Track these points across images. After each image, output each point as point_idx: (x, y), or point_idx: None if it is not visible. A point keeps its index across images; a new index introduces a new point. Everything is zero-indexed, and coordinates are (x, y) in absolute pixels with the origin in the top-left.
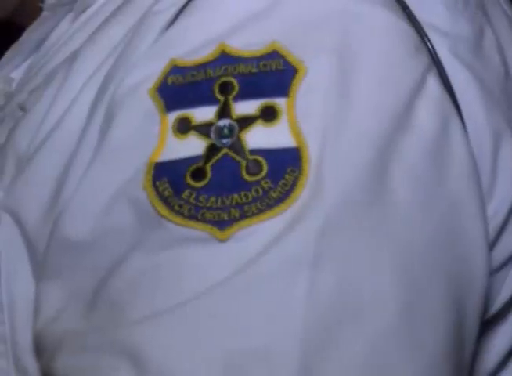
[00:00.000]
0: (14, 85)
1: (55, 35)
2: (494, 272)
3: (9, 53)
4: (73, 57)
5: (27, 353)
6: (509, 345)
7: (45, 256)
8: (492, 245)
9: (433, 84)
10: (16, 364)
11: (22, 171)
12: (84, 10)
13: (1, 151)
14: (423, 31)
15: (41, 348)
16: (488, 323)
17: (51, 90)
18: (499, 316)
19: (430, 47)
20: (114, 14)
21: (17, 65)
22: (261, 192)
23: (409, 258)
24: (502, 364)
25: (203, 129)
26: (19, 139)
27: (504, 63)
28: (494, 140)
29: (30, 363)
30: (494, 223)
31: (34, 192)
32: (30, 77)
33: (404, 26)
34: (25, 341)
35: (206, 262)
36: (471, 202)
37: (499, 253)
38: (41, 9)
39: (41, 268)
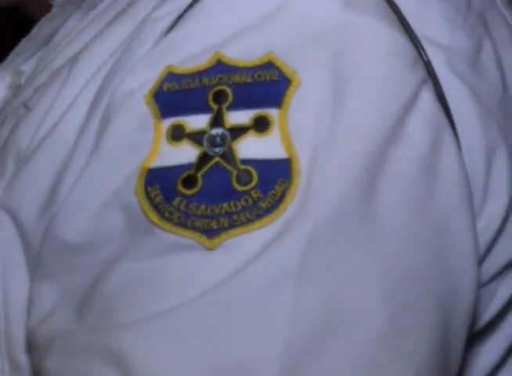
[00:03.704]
0: (23, 78)
1: (63, 31)
2: (484, 285)
3: (19, 47)
4: (76, 58)
5: (21, 350)
6: (498, 356)
7: (38, 255)
8: (482, 259)
9: (427, 98)
10: (9, 361)
11: (21, 169)
12: (92, 8)
13: (3, 149)
14: (420, 45)
15: (33, 347)
16: (477, 336)
17: (53, 89)
18: (488, 329)
19: (426, 61)
20: (117, 16)
21: (27, 58)
22: (250, 202)
23: (397, 271)
24: None
25: (196, 137)
26: (20, 137)
27: (502, 76)
28: (488, 155)
29: (24, 360)
30: (484, 238)
31: (31, 191)
32: (37, 73)
33: (401, 39)
34: (19, 338)
35: (193, 270)
36: (462, 217)
37: (489, 267)
38: (50, 3)
39: (35, 266)
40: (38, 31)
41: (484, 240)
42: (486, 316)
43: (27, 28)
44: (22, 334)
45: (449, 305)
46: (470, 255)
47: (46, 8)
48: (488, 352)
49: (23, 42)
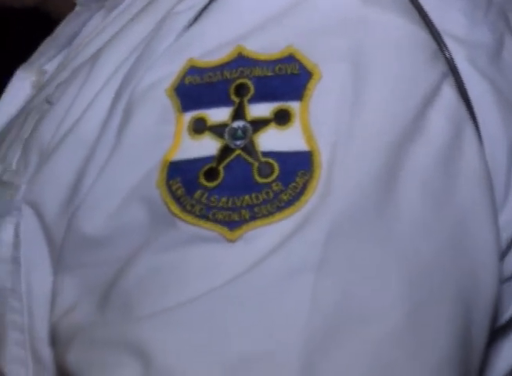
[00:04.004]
0: (46, 78)
1: (86, 30)
2: (506, 280)
3: (43, 46)
4: (98, 54)
5: (44, 344)
6: None
7: (61, 249)
8: (504, 254)
9: (448, 92)
10: (32, 354)
11: (44, 164)
12: (115, 7)
13: (26, 143)
14: (441, 39)
15: (55, 340)
16: (499, 331)
17: (75, 85)
18: (511, 325)
19: (447, 55)
20: (139, 13)
21: (51, 58)
22: (271, 194)
23: (416, 265)
24: None
25: (218, 130)
26: (43, 132)
27: None
28: (510, 150)
29: (47, 354)
30: (506, 233)
31: (54, 186)
32: (60, 70)
33: (421, 34)
34: (42, 331)
35: (214, 262)
36: (482, 212)
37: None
38: (73, 3)
39: (58, 260)
40: (62, 30)
41: (506, 234)
42: (509, 312)
43: (51, 27)
44: (45, 328)
45: (470, 299)
46: (492, 250)
47: (70, 7)
48: (510, 351)
49: (47, 42)
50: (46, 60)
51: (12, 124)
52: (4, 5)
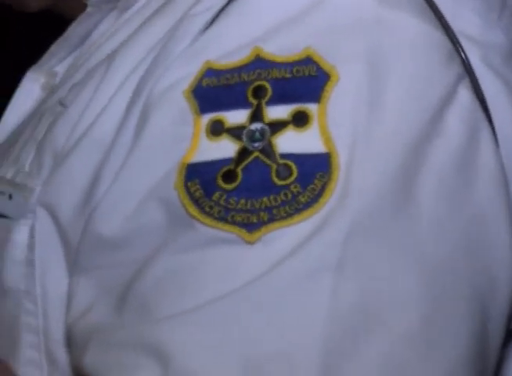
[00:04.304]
0: (58, 79)
1: (98, 32)
2: None
3: (54, 47)
4: (113, 55)
5: (59, 346)
6: None
7: (77, 251)
8: None
9: (464, 93)
10: (47, 356)
11: (59, 166)
12: (127, 8)
13: (40, 146)
14: (457, 40)
15: (71, 342)
16: None
17: (90, 87)
18: None
19: (463, 56)
20: (154, 15)
21: (61, 59)
22: (290, 196)
23: (433, 266)
24: None
25: (236, 132)
26: (57, 135)
27: None
28: None
29: (62, 356)
30: None
31: (68, 189)
32: (72, 72)
33: (437, 35)
34: (57, 333)
35: (232, 264)
36: (498, 212)
37: None
38: (84, 4)
39: (74, 262)
40: (73, 32)
41: None
42: None
43: (61, 29)
44: (60, 330)
45: (486, 297)
46: (508, 249)
47: (81, 8)
48: None
49: (58, 43)
50: (57, 62)
51: (24, 125)
52: (20, 8)
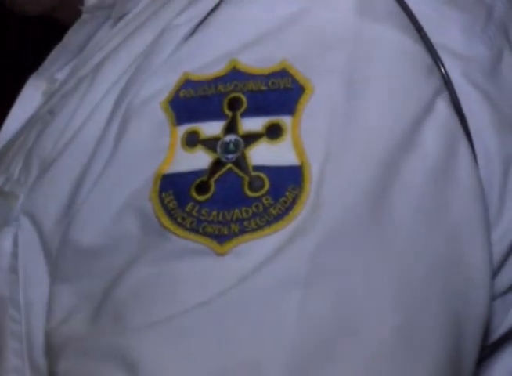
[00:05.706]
0: (56, 86)
1: (94, 41)
2: (499, 296)
3: (53, 54)
4: (99, 66)
5: (41, 353)
6: None
7: (56, 259)
8: (497, 270)
9: (442, 107)
10: (30, 363)
11: (42, 175)
12: (121, 18)
13: (28, 154)
14: (437, 54)
15: (49, 349)
16: (491, 347)
17: (77, 96)
18: (504, 341)
19: (442, 70)
20: (141, 25)
21: (62, 66)
22: (261, 208)
23: (408, 280)
24: None
25: (210, 143)
26: (44, 143)
27: None
28: (504, 165)
29: (43, 363)
30: (499, 248)
31: (52, 196)
32: (67, 81)
33: (417, 48)
34: (39, 341)
35: (204, 275)
36: (475, 228)
37: (504, 279)
38: (81, 11)
39: (53, 271)
40: (71, 38)
41: (498, 250)
42: (501, 328)
43: (59, 34)
44: (42, 337)
45: (461, 315)
46: (484, 267)
47: (77, 14)
48: (503, 366)
49: (57, 49)
50: (57, 68)
51: (19, 133)
52: (23, 13)
